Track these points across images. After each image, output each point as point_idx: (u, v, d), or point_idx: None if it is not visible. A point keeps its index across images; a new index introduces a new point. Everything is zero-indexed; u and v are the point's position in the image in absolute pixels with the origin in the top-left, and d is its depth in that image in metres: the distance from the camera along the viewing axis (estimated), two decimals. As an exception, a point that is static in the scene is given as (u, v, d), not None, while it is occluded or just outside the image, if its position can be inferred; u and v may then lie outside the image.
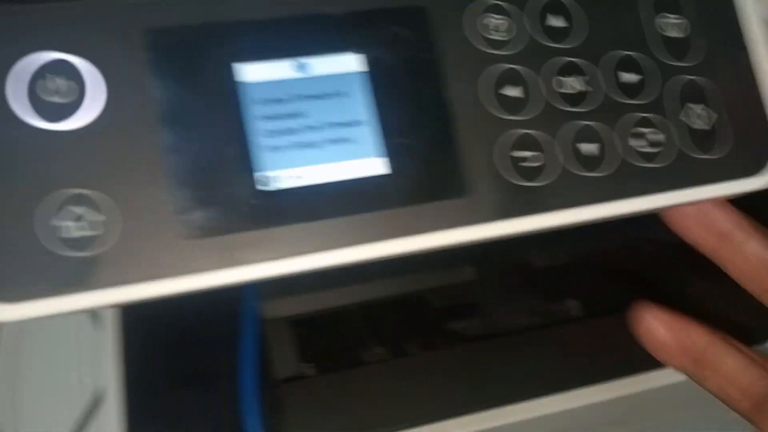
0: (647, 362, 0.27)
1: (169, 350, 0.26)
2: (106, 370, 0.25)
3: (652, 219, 0.20)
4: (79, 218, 0.13)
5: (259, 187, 0.14)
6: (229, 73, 0.14)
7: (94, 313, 0.26)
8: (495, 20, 0.15)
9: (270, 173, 0.14)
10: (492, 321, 0.30)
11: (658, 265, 0.31)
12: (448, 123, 0.15)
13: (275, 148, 0.14)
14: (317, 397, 0.26)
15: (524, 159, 0.15)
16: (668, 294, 0.27)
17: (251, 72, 0.14)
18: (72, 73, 0.13)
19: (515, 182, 0.15)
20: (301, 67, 0.14)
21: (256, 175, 0.14)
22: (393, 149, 0.14)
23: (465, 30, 0.15)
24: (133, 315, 0.26)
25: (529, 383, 0.27)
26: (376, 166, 0.15)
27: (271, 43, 0.14)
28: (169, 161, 0.13)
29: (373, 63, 0.15)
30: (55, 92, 0.13)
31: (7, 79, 0.13)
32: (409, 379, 0.27)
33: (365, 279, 0.29)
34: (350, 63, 0.14)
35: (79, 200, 0.13)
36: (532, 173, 0.15)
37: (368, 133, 0.14)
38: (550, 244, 0.32)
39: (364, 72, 0.15)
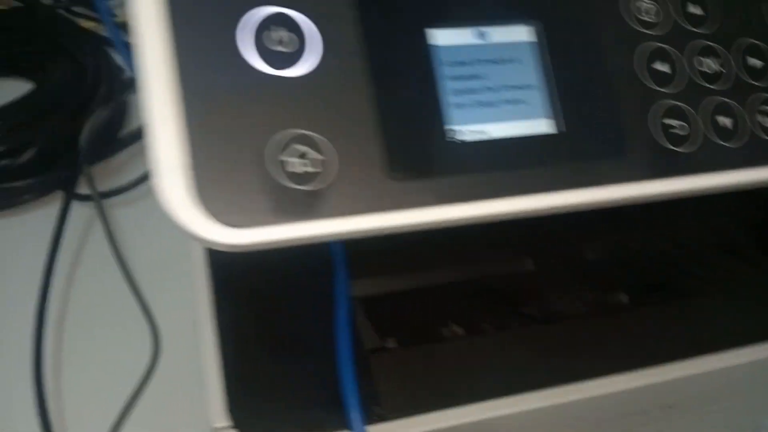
0: (699, 347, 0.29)
1: (260, 319, 0.27)
2: (203, 342, 0.25)
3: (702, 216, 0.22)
4: (302, 155, 0.14)
5: (448, 139, 0.15)
6: (423, 37, 0.15)
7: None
8: (646, 4, 0.18)
9: (456, 127, 0.15)
10: (553, 307, 0.32)
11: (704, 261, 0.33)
12: (608, 90, 0.17)
13: (460, 105, 0.16)
14: (400, 367, 0.27)
15: (673, 127, 0.17)
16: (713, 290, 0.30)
17: (441, 37, 0.16)
18: (292, 26, 0.15)
19: (666, 146, 0.17)
20: (481, 35, 0.16)
21: (446, 127, 0.15)
22: (560, 112, 0.16)
23: (621, 10, 0.17)
24: (223, 284, 0.27)
25: (591, 365, 0.29)
26: (545, 125, 0.16)
27: (458, 13, 0.16)
28: (376, 110, 0.15)
29: (542, 34, 0.16)
30: (279, 42, 0.15)
31: (237, 29, 0.14)
32: (481, 355, 0.28)
33: (442, 264, 0.31)
34: (523, 33, 0.16)
35: (303, 140, 0.14)
36: (679, 140, 0.17)
37: (538, 96, 0.16)
38: (602, 238, 0.34)
39: (534, 42, 0.16)
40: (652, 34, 0.17)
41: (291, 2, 0.15)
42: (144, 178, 0.46)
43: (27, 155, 0.42)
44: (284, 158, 0.14)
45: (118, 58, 0.52)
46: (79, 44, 0.48)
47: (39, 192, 0.43)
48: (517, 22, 0.16)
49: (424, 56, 0.15)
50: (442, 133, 0.15)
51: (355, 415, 0.23)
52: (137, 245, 0.42)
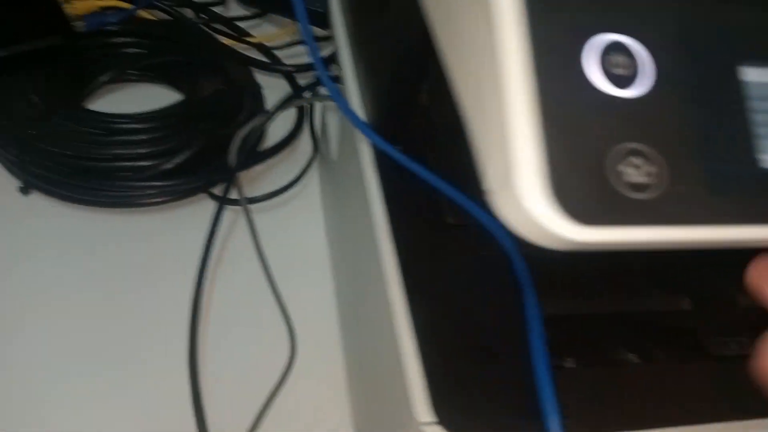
0: None
1: (457, 327, 0.28)
2: (400, 341, 0.27)
3: None
4: (637, 167, 0.16)
5: (758, 165, 0.17)
6: (735, 73, 0.17)
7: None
8: None
9: (764, 156, 0.17)
10: (710, 347, 0.33)
11: None
12: None
13: (765, 136, 0.17)
14: (575, 386, 0.28)
15: None
16: None
17: (752, 74, 0.17)
18: (629, 52, 0.16)
19: None
20: (784, 75, 0.17)
21: (755, 155, 0.17)
22: None
23: None
24: (416, 292, 0.29)
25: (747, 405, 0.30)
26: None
27: (765, 54, 0.17)
28: (700, 133, 0.16)
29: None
30: (618, 65, 0.16)
31: (582, 52, 0.16)
32: (654, 383, 0.29)
33: (620, 292, 0.32)
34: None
35: (638, 153, 0.16)
36: None
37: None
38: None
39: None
40: None
41: (629, 30, 0.16)
42: (281, 190, 0.49)
43: (183, 156, 0.44)
44: (622, 168, 0.16)
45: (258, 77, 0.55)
46: (227, 60, 0.51)
47: (186, 193, 0.46)
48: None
49: (737, 90, 0.17)
50: (752, 160, 0.17)
51: (553, 424, 0.24)
52: (271, 249, 0.44)
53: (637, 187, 0.16)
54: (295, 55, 0.61)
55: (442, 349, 0.27)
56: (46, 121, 0.43)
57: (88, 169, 0.43)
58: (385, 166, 0.34)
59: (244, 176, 0.49)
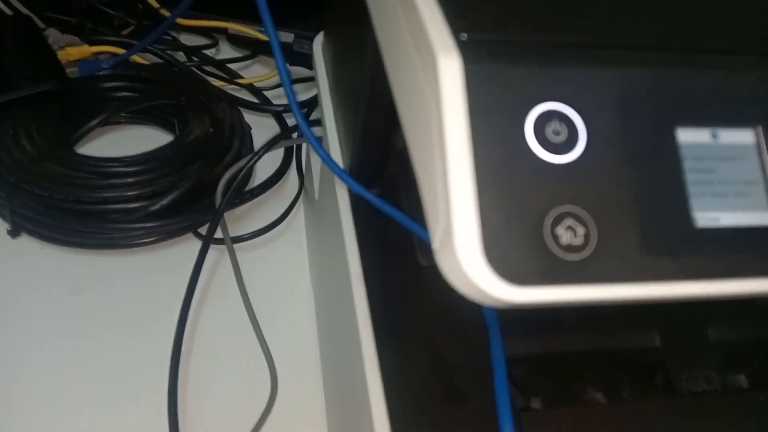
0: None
1: (422, 368, 0.28)
2: (366, 384, 0.27)
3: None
4: (571, 229, 0.17)
5: (693, 225, 0.18)
6: (672, 135, 0.18)
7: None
8: None
9: (696, 214, 0.18)
10: (677, 383, 0.33)
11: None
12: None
13: (699, 195, 0.18)
14: (547, 427, 0.28)
15: None
16: None
17: (685, 135, 0.18)
18: (565, 119, 0.17)
19: None
20: (714, 136, 0.18)
21: (690, 213, 0.18)
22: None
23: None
24: (385, 333, 0.29)
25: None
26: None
27: (698, 116, 0.18)
28: (632, 194, 0.17)
29: (761, 137, 0.19)
30: (555, 133, 0.17)
31: (519, 120, 0.17)
32: (620, 423, 0.29)
33: (576, 331, 0.32)
34: (747, 137, 0.19)
35: (571, 215, 0.17)
36: None
37: (761, 191, 0.18)
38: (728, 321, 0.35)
39: (755, 144, 0.19)
40: None
41: (564, 98, 0.17)
42: (265, 229, 0.50)
43: (170, 197, 0.45)
44: (557, 230, 0.16)
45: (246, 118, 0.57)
46: (216, 101, 0.53)
47: (172, 233, 0.47)
48: (743, 125, 0.19)
49: (671, 151, 0.18)
50: (686, 218, 0.17)
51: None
52: (255, 288, 0.45)
53: (571, 248, 0.17)
54: (284, 95, 0.62)
55: (409, 392, 0.28)
56: (36, 165, 0.44)
57: (77, 212, 0.44)
58: (361, 208, 0.35)
59: (231, 215, 0.51)
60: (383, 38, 0.24)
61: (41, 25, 0.53)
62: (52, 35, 0.52)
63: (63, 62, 0.50)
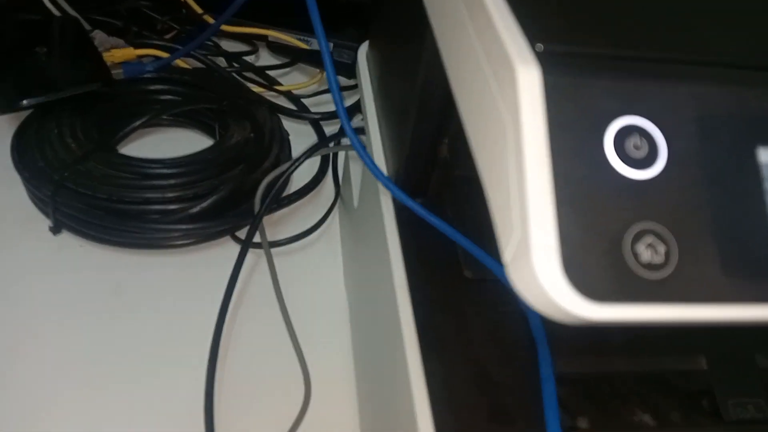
0: None
1: (472, 386, 0.28)
2: (414, 399, 0.27)
3: None
4: (651, 246, 0.16)
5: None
6: (753, 154, 0.17)
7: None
8: None
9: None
10: (725, 410, 0.32)
11: None
12: None
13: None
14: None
15: None
16: None
17: (766, 155, 0.18)
18: (646, 134, 0.17)
19: None
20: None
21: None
22: None
23: None
24: (431, 347, 0.29)
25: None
26: None
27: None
28: (712, 213, 0.17)
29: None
30: (635, 148, 0.17)
31: (599, 134, 0.17)
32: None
33: (622, 352, 0.32)
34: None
35: (651, 232, 0.16)
36: None
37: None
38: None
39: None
40: None
41: (645, 113, 0.17)
42: (302, 234, 0.50)
43: (210, 201, 0.46)
44: (637, 248, 0.16)
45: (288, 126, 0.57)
46: (257, 107, 0.53)
47: (211, 236, 0.47)
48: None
49: (752, 170, 0.17)
50: (767, 239, 0.17)
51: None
52: (291, 294, 0.45)
53: (650, 266, 0.16)
54: (321, 103, 0.63)
55: (455, 408, 0.27)
56: (79, 164, 0.45)
57: (118, 211, 0.44)
58: (405, 218, 0.35)
59: (267, 220, 0.51)
60: (446, 48, 0.24)
61: (88, 27, 0.54)
62: (99, 37, 0.52)
63: (108, 64, 0.51)
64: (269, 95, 0.60)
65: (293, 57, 0.64)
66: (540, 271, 0.16)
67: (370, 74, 0.43)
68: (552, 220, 0.16)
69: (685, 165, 0.17)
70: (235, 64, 0.61)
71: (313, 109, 0.60)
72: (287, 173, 0.46)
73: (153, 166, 0.46)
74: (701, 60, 0.18)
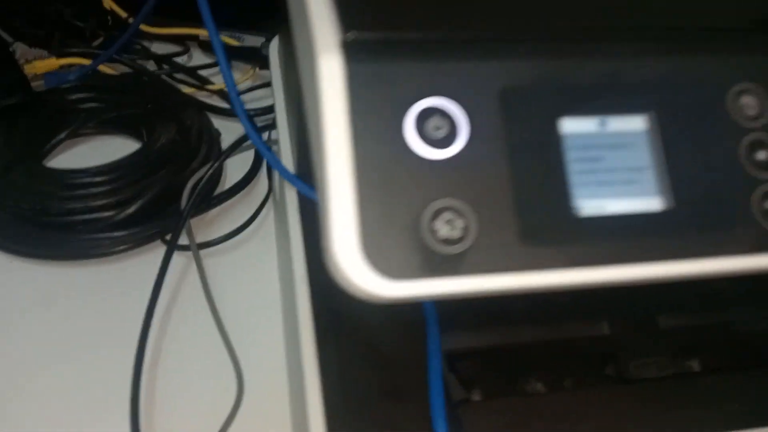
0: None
1: (362, 365, 0.29)
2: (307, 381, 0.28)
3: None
4: (450, 222, 0.17)
5: (572, 212, 0.18)
6: (554, 125, 0.18)
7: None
8: (748, 99, 0.20)
9: (579, 203, 0.18)
10: (627, 370, 0.33)
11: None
12: (713, 176, 0.19)
13: (583, 184, 0.18)
14: (485, 419, 0.29)
15: (774, 209, 0.19)
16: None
17: (569, 125, 0.18)
18: (447, 113, 0.18)
19: (766, 227, 0.19)
20: (603, 123, 0.19)
21: (570, 203, 0.18)
22: (670, 191, 0.18)
23: (727, 105, 0.20)
24: (328, 331, 0.30)
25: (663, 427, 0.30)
26: (656, 203, 0.18)
27: (584, 105, 0.18)
28: (513, 186, 0.17)
29: (655, 123, 0.19)
30: (434, 128, 0.17)
31: (399, 117, 0.17)
32: (560, 411, 0.30)
33: (526, 324, 0.33)
34: (638, 122, 0.19)
35: (450, 209, 0.17)
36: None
37: (651, 177, 0.18)
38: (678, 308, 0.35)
39: (648, 129, 0.19)
40: (754, 126, 0.20)
41: (447, 93, 0.18)
42: (233, 233, 0.50)
43: (134, 207, 0.46)
44: (435, 224, 0.17)
45: (217, 123, 0.57)
46: (184, 108, 0.53)
47: (140, 241, 0.47)
48: (633, 112, 0.19)
49: (554, 141, 0.18)
50: (567, 207, 0.18)
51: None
52: (225, 293, 0.45)
53: (449, 241, 0.17)
54: (256, 99, 0.63)
55: (346, 390, 0.28)
56: (2, 178, 0.45)
57: (44, 224, 0.45)
58: (309, 209, 0.36)
59: (201, 220, 0.51)
60: (296, 37, 0.24)
61: (9, 39, 0.54)
62: (20, 49, 0.53)
63: (30, 76, 0.51)
64: (202, 95, 0.60)
65: (226, 54, 0.64)
66: (339, 252, 0.16)
67: (280, 69, 0.44)
68: (351, 203, 0.17)
69: (487, 140, 0.18)
70: (165, 66, 0.61)
71: (248, 106, 0.60)
72: (211, 171, 0.46)
73: (76, 176, 0.46)
74: (504, 36, 0.19)
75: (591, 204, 0.18)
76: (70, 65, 0.54)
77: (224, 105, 0.60)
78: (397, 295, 0.16)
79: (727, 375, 0.32)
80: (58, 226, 0.45)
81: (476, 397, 0.30)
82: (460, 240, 0.17)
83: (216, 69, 0.65)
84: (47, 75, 0.52)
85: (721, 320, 0.34)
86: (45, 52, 0.54)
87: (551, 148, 0.18)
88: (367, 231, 0.16)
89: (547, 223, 0.17)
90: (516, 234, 0.17)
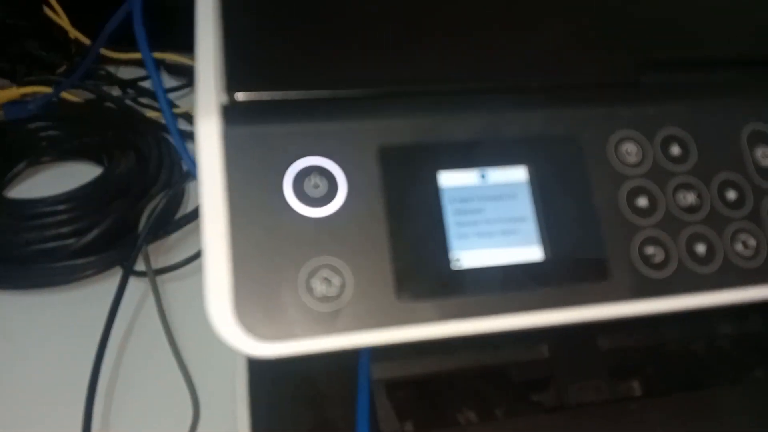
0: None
1: (293, 402, 0.29)
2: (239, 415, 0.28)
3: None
4: (326, 280, 0.17)
5: (451, 265, 0.18)
6: (434, 179, 0.18)
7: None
8: (629, 147, 0.20)
9: (458, 255, 0.18)
10: (565, 395, 0.33)
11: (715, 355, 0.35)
12: (593, 223, 0.19)
13: (462, 236, 0.18)
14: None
15: (652, 255, 0.19)
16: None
17: (449, 179, 0.19)
18: (326, 173, 0.18)
19: (644, 273, 0.19)
20: (483, 176, 0.19)
21: (449, 255, 0.18)
22: (549, 240, 0.19)
23: (607, 153, 0.20)
24: (259, 372, 0.30)
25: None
26: (536, 253, 0.19)
27: (463, 159, 0.19)
28: (390, 242, 0.18)
29: (534, 174, 0.19)
30: (314, 187, 0.18)
31: (277, 178, 0.18)
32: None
33: (457, 350, 0.33)
34: (517, 174, 0.19)
35: (327, 266, 0.17)
36: (657, 266, 0.19)
37: (530, 227, 0.19)
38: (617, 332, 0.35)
39: (528, 181, 0.19)
40: (634, 174, 0.20)
41: (327, 153, 0.18)
42: (194, 257, 0.51)
43: (91, 235, 0.46)
44: (312, 282, 0.17)
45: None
46: (144, 134, 0.54)
47: (99, 269, 0.48)
48: (513, 163, 0.19)
49: (432, 195, 0.18)
50: (445, 260, 0.18)
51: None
52: (185, 318, 0.45)
53: (326, 299, 0.17)
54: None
55: (278, 425, 0.28)
56: (-40, 211, 0.45)
57: (3, 258, 0.45)
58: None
59: (161, 245, 0.51)
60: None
61: (-29, 71, 0.54)
62: (-19, 81, 0.53)
63: (-11, 107, 0.51)
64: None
65: (191, 78, 0.64)
66: (214, 315, 0.17)
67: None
68: (226, 265, 0.17)
69: (365, 198, 0.18)
70: (131, 91, 0.62)
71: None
72: (163, 199, 0.47)
73: (32, 206, 0.46)
74: (384, 95, 0.19)
75: (469, 256, 0.18)
76: (33, 94, 0.55)
77: (189, 128, 0.61)
78: (271, 354, 0.17)
79: (664, 399, 0.32)
80: (14, 257, 0.45)
81: (408, 428, 0.30)
82: (336, 297, 0.17)
83: (182, 92, 0.65)
84: (6, 106, 0.52)
85: (658, 341, 0.35)
86: (7, 82, 0.54)
87: (430, 202, 0.18)
88: (240, 292, 0.17)
89: (424, 277, 0.18)
90: (392, 289, 0.17)
